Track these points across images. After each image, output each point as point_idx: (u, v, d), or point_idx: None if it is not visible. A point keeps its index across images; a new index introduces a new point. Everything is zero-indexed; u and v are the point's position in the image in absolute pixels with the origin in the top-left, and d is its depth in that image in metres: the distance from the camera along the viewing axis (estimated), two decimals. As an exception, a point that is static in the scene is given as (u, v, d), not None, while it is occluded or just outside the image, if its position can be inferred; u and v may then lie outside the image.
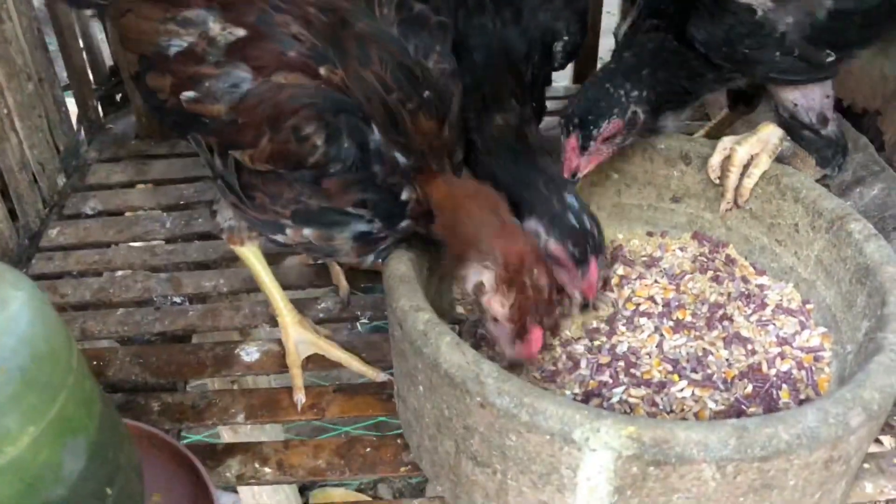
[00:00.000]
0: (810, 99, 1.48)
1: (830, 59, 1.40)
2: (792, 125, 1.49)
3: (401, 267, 1.26)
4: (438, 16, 1.29)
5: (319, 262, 1.72)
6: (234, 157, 1.20)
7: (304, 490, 2.72)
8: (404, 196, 1.20)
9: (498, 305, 1.18)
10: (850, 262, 1.34)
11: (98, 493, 0.93)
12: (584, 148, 1.45)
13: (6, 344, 0.81)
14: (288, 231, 1.27)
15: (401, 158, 1.17)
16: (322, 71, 1.13)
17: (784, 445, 0.98)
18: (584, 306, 1.43)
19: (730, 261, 1.58)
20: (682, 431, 0.98)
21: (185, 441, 1.40)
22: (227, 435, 1.95)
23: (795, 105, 1.49)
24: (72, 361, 0.89)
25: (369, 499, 2.76)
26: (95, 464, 0.91)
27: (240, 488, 2.16)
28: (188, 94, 1.17)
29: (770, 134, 1.51)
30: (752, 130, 1.53)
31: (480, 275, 1.18)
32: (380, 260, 1.29)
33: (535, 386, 1.26)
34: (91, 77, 2.28)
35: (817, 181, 1.51)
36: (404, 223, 1.23)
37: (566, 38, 1.55)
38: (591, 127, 1.43)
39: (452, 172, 1.24)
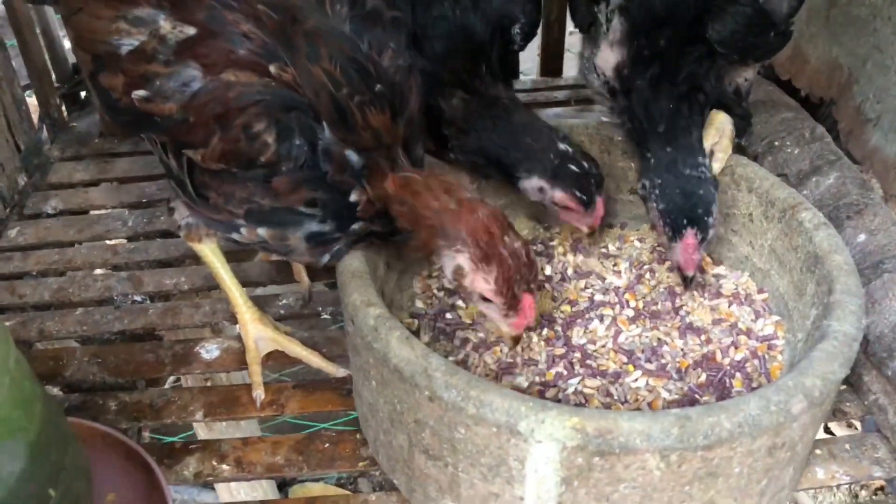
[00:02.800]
0: (754, 73, 1.55)
1: (792, 26, 1.46)
2: (731, 101, 1.53)
3: (354, 262, 1.26)
4: (393, 11, 1.29)
5: (281, 258, 1.72)
6: (187, 157, 1.20)
7: (284, 486, 2.72)
8: (353, 197, 1.19)
9: (482, 283, 1.18)
10: (800, 250, 1.35)
11: (40, 494, 0.92)
12: (703, 241, 1.39)
13: (-61, 346, 0.81)
14: (243, 230, 1.27)
15: (351, 156, 1.17)
16: (272, 69, 1.13)
17: (726, 434, 0.99)
18: (591, 234, 1.52)
19: (688, 251, 1.59)
20: (626, 422, 0.99)
21: (162, 442, 1.39)
22: (202, 432, 1.95)
23: (746, 80, 1.54)
24: (9, 363, 0.88)
25: (348, 493, 2.76)
26: (36, 465, 0.91)
27: (217, 486, 2.16)
28: (140, 93, 1.16)
29: (724, 121, 1.54)
30: (707, 121, 1.54)
31: (455, 259, 1.18)
32: (336, 261, 1.28)
33: (489, 379, 1.28)
34: (53, 75, 2.26)
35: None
36: (356, 225, 1.22)
37: (522, 19, 1.56)
38: (706, 216, 1.38)
39: (412, 166, 1.24)
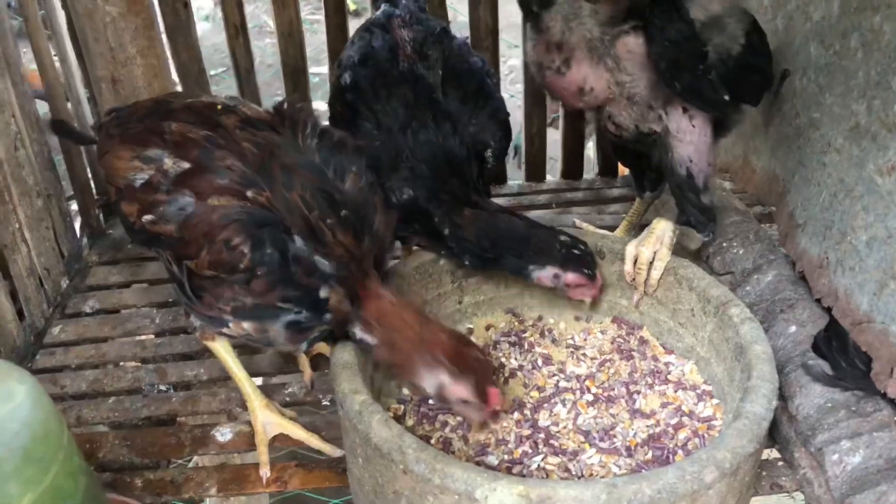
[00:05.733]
0: (700, 155, 1.75)
1: (727, 98, 1.67)
2: (686, 185, 1.75)
3: (344, 355, 1.50)
4: (356, 141, 1.56)
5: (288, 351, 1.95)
6: (186, 266, 1.46)
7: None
8: (322, 294, 1.43)
9: (462, 391, 1.42)
10: (731, 341, 1.57)
11: (82, 551, 1.14)
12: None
13: (11, 428, 1.05)
14: (230, 325, 1.51)
15: (321, 263, 1.41)
16: (249, 193, 1.39)
17: (647, 499, 1.18)
18: (594, 303, 1.82)
19: (643, 342, 1.81)
20: (563, 489, 1.19)
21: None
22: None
23: (691, 161, 1.75)
24: (63, 441, 1.11)
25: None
26: (80, 526, 1.13)
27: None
28: (148, 217, 1.44)
29: (664, 229, 1.77)
30: (649, 229, 1.79)
31: (437, 377, 1.42)
32: (310, 347, 1.51)
33: (466, 457, 1.49)
34: (93, 188, 2.57)
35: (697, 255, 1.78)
36: (328, 315, 1.46)
37: (493, 144, 1.84)
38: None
39: (380, 276, 1.48)
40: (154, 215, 1.42)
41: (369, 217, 1.47)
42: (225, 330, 1.52)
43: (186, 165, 1.42)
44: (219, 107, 1.51)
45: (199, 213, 1.39)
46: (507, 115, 1.90)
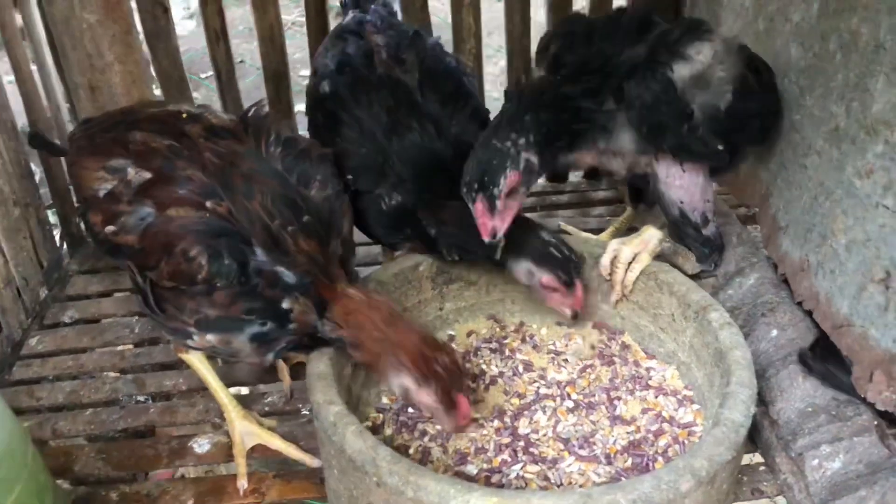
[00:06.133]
0: (692, 196, 1.73)
1: (720, 147, 1.65)
2: (681, 222, 1.74)
3: (320, 365, 1.48)
4: (321, 150, 1.55)
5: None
6: (149, 277, 1.44)
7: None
8: (285, 305, 1.42)
9: (425, 397, 1.42)
10: (710, 346, 1.55)
11: (48, 570, 1.12)
12: (491, 209, 1.55)
13: (-27, 447, 1.03)
14: (195, 337, 1.50)
15: (285, 274, 1.40)
16: (208, 204, 1.38)
17: (623, 509, 1.17)
18: (575, 317, 1.73)
19: (625, 347, 1.80)
20: (538, 500, 1.17)
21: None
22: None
23: (682, 202, 1.73)
24: (27, 459, 1.09)
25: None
26: (46, 545, 1.11)
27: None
28: (111, 228, 1.43)
29: (650, 235, 1.76)
30: (637, 233, 1.77)
31: (400, 380, 1.42)
32: (279, 358, 1.50)
33: (445, 466, 1.47)
34: (73, 197, 2.54)
35: (695, 275, 1.76)
36: (293, 325, 1.45)
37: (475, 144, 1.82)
38: (492, 187, 1.53)
39: (348, 279, 1.47)
40: (116, 226, 1.41)
41: (335, 223, 1.46)
42: (190, 342, 1.50)
43: (148, 175, 1.40)
44: (184, 115, 1.50)
45: (158, 223, 1.38)
46: (488, 112, 1.88)
